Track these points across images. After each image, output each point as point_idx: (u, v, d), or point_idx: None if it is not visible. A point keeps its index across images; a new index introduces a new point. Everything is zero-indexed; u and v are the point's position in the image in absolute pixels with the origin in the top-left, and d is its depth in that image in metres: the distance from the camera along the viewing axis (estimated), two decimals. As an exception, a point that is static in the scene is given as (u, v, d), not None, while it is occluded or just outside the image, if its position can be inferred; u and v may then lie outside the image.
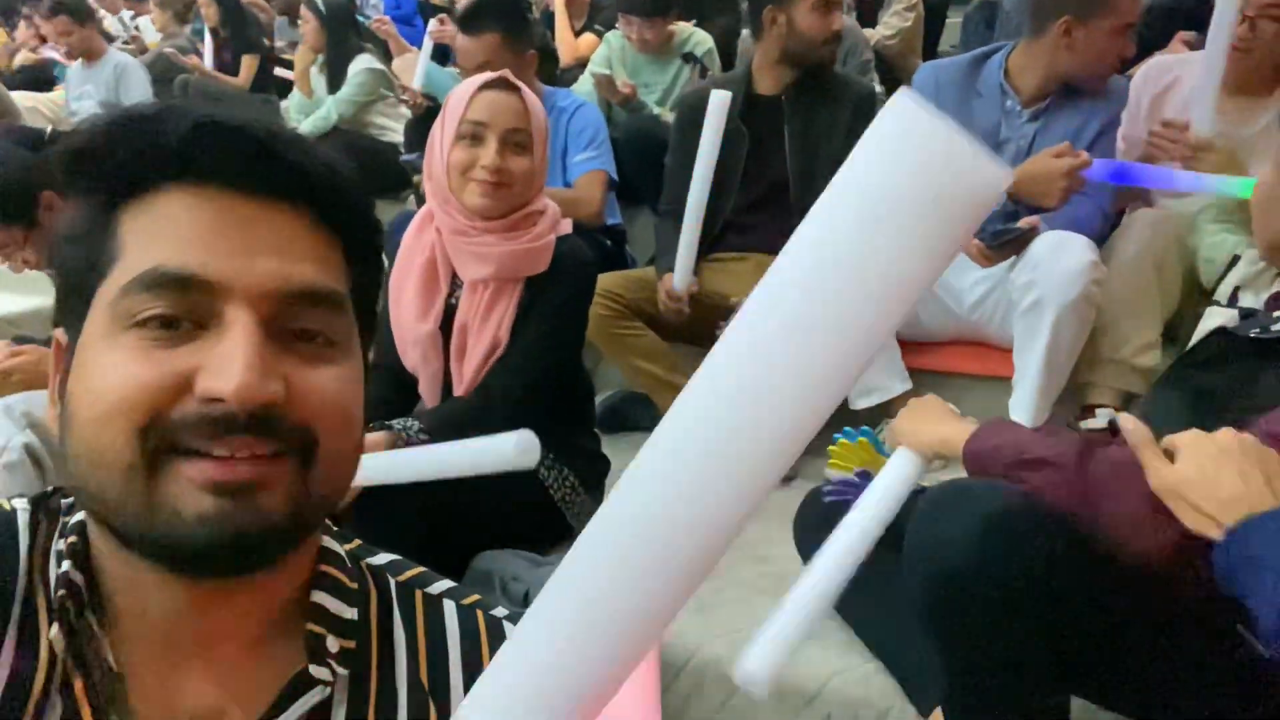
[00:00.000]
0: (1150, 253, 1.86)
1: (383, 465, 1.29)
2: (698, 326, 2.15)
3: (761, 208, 2.23)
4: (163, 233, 0.50)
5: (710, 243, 2.30)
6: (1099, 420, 1.91)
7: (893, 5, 3.70)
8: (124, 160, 0.51)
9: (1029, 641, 0.95)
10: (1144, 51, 2.45)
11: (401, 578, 0.63)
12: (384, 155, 3.71)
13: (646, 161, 2.63)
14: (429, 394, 1.63)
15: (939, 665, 1.07)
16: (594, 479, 1.73)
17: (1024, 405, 1.82)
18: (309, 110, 3.81)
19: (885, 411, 1.96)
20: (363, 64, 3.65)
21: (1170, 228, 1.88)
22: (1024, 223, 1.87)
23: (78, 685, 0.51)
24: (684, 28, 3.22)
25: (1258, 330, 1.03)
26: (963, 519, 0.97)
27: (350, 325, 0.55)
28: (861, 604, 1.34)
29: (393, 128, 3.75)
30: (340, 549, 0.61)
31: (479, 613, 0.63)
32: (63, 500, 0.57)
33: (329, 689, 0.55)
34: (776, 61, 2.21)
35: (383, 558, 0.64)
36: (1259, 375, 1.01)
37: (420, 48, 4.32)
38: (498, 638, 0.62)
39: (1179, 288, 1.91)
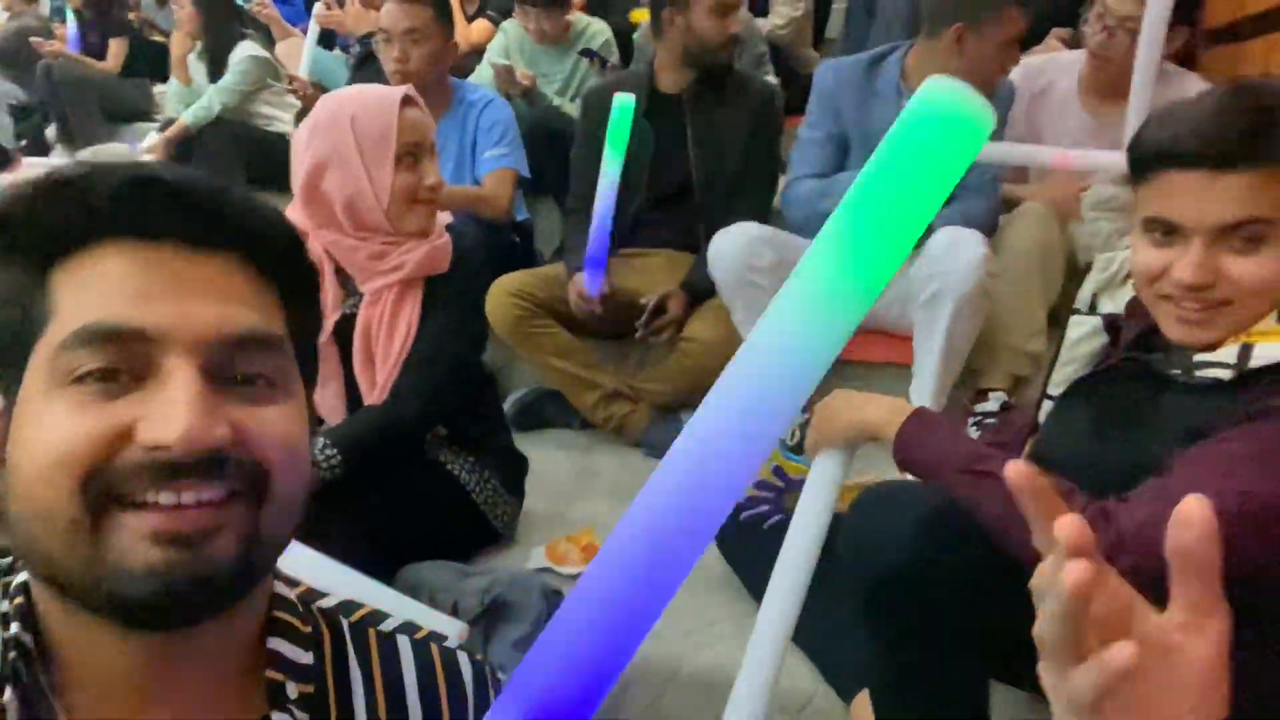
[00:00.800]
0: (1035, 244, 1.98)
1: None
2: (609, 322, 2.17)
3: (669, 204, 2.27)
4: (96, 288, 0.50)
5: (620, 239, 2.32)
6: (991, 404, 2.03)
7: (783, -7, 3.76)
8: (54, 223, 0.51)
9: (958, 633, 1.01)
10: (1023, 47, 2.58)
11: (353, 618, 0.64)
12: (273, 146, 3.56)
13: (549, 154, 2.62)
14: (332, 411, 1.58)
15: (871, 655, 1.13)
16: (514, 479, 1.73)
17: (923, 391, 1.91)
18: (189, 99, 3.63)
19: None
20: (246, 51, 3.49)
21: (1051, 220, 2.00)
22: None
23: None
24: (581, 18, 3.21)
25: (1179, 373, 1.00)
26: (898, 521, 1.02)
27: (290, 366, 0.56)
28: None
29: (280, 117, 3.61)
30: (291, 594, 0.61)
31: (433, 646, 0.64)
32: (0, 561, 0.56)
33: None
34: (676, 61, 2.23)
35: (332, 599, 0.65)
36: (1161, 400, 1.02)
37: (302, 29, 4.19)
38: (453, 670, 0.64)
39: (1061, 275, 2.05)
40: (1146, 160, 1.00)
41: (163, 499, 0.48)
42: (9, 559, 0.56)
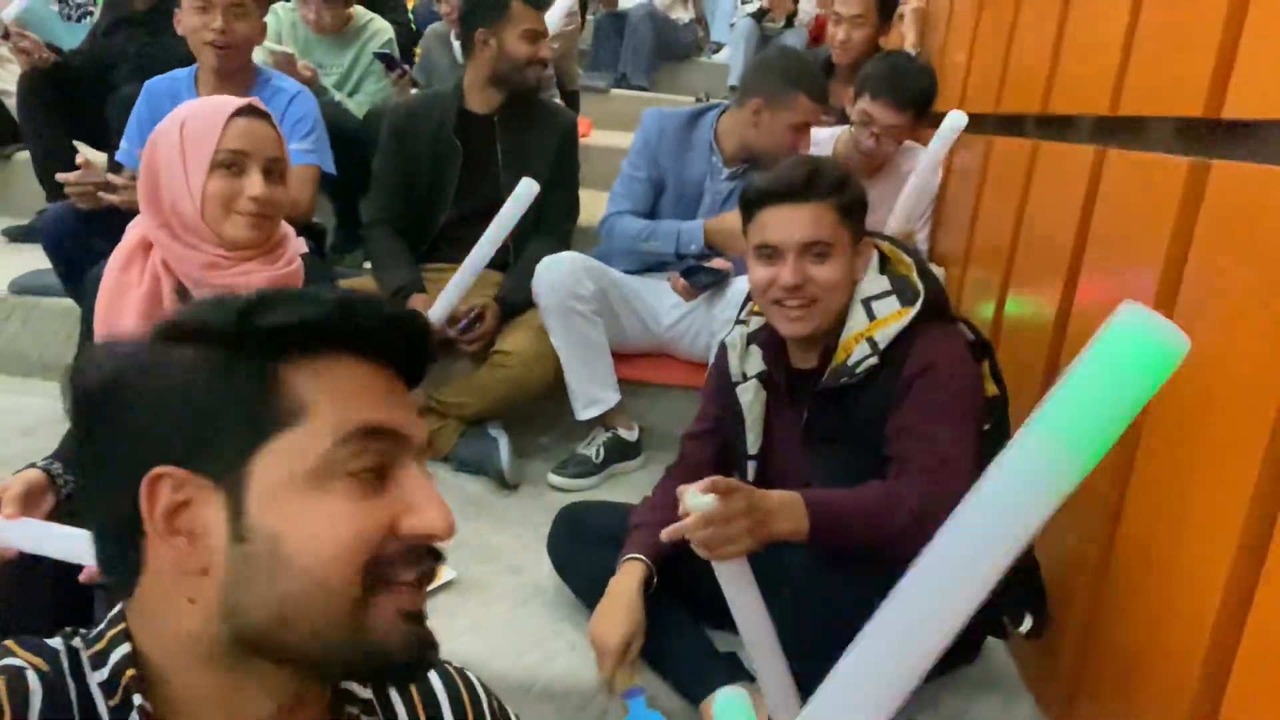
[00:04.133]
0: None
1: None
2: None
3: (474, 222, 2.28)
4: (351, 393, 0.58)
5: (424, 254, 2.35)
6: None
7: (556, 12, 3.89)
8: (290, 327, 0.57)
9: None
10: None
11: None
12: (-22, 104, 3.12)
13: (336, 152, 2.56)
14: None
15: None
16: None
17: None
18: None
19: (601, 420, 2.19)
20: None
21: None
22: (716, 263, 2.21)
23: None
24: (362, 13, 3.13)
25: (847, 379, 1.41)
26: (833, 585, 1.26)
27: None
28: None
29: (-11, 72, 3.15)
30: None
31: (457, 676, 0.76)
32: (75, 639, 0.60)
33: None
34: (486, 82, 2.29)
35: None
36: (850, 406, 1.42)
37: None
38: (473, 690, 0.76)
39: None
40: (753, 202, 1.45)
41: (411, 577, 0.58)
42: (95, 631, 0.60)
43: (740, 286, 2.11)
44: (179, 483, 0.56)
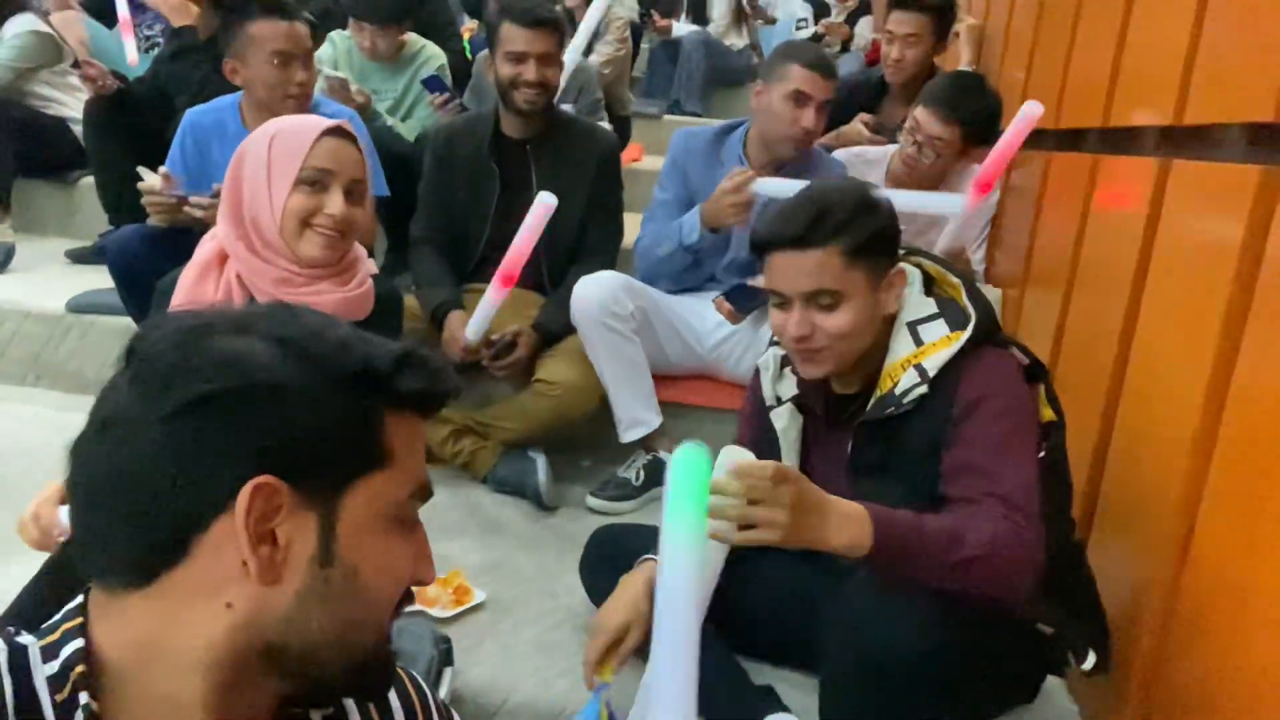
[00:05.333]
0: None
1: None
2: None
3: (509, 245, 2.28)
4: (416, 449, 0.65)
5: (467, 274, 2.34)
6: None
7: (606, 34, 3.92)
8: (421, 385, 0.64)
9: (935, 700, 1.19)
10: (833, 124, 2.88)
11: None
12: (49, 131, 3.25)
13: (387, 175, 2.58)
14: None
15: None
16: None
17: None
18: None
19: (643, 443, 2.14)
20: (24, 25, 3.14)
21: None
22: (755, 282, 2.16)
23: None
24: (415, 39, 3.17)
25: (893, 409, 1.31)
26: (898, 629, 1.16)
27: None
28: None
29: (61, 100, 3.28)
30: None
31: (404, 675, 0.78)
32: (22, 635, 0.60)
33: None
34: (510, 110, 2.26)
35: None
36: (901, 435, 1.32)
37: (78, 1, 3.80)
38: (419, 687, 0.79)
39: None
40: (759, 246, 1.36)
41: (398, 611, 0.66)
42: (49, 624, 0.60)
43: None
44: (275, 492, 0.58)
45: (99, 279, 2.63)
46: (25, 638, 0.60)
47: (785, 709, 1.39)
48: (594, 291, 2.06)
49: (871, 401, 1.35)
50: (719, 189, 2.06)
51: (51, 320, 2.49)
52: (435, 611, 1.61)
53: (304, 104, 2.26)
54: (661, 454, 2.14)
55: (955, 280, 1.40)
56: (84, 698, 0.56)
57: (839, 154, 2.55)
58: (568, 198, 2.23)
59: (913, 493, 1.27)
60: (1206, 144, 1.47)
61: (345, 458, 0.60)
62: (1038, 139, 2.32)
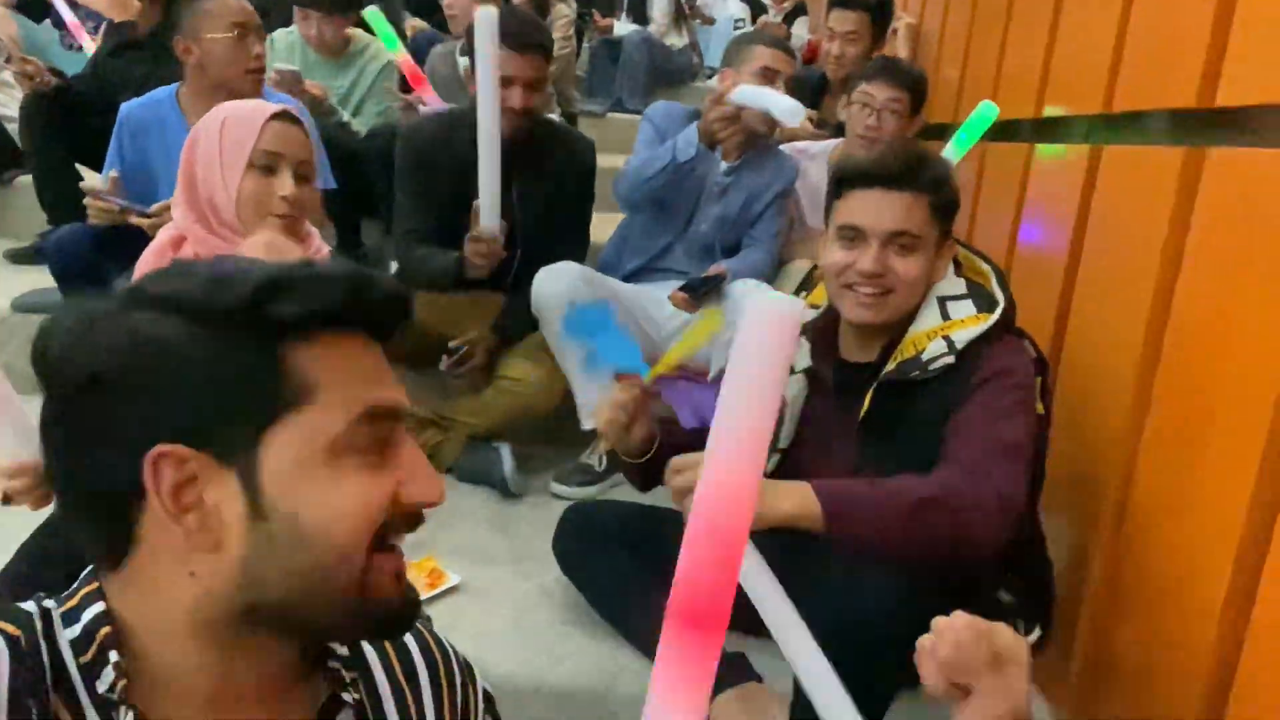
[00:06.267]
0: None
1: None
2: (418, 355, 2.21)
3: None
4: (354, 372, 0.60)
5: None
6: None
7: (551, 32, 3.94)
8: (294, 309, 0.57)
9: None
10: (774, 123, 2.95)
11: None
12: (-20, 129, 3.15)
13: (338, 172, 2.58)
14: None
15: None
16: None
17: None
18: None
19: (603, 430, 2.19)
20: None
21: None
22: (712, 270, 2.22)
23: None
24: (361, 36, 3.16)
25: (918, 374, 1.36)
26: (865, 596, 1.19)
27: None
28: (634, 619, 1.55)
29: (-8, 98, 3.18)
30: None
31: (421, 628, 0.77)
32: (48, 601, 0.61)
33: (351, 710, 0.67)
34: None
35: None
36: (916, 399, 1.36)
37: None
38: (442, 646, 0.78)
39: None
40: (846, 180, 1.41)
41: (400, 541, 0.61)
42: (68, 590, 0.61)
43: (739, 291, 2.13)
44: (182, 460, 0.55)
45: (41, 278, 2.57)
46: (48, 602, 0.60)
47: (757, 676, 1.44)
48: (554, 283, 2.09)
49: (895, 363, 1.39)
50: (707, 104, 2.15)
51: (-6, 321, 2.43)
52: (410, 595, 1.63)
53: (259, 82, 2.24)
54: (623, 440, 2.19)
55: (985, 268, 1.47)
56: (114, 655, 0.57)
57: (784, 148, 2.63)
58: (543, 205, 2.24)
59: (918, 458, 1.31)
60: (1135, 130, 1.58)
61: (247, 407, 0.56)
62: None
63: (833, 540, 1.24)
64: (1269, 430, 1.08)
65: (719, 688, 1.40)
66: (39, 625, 0.58)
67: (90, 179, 2.13)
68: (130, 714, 0.56)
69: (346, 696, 0.66)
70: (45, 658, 0.56)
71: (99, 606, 0.58)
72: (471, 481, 2.13)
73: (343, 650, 0.69)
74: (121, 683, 0.56)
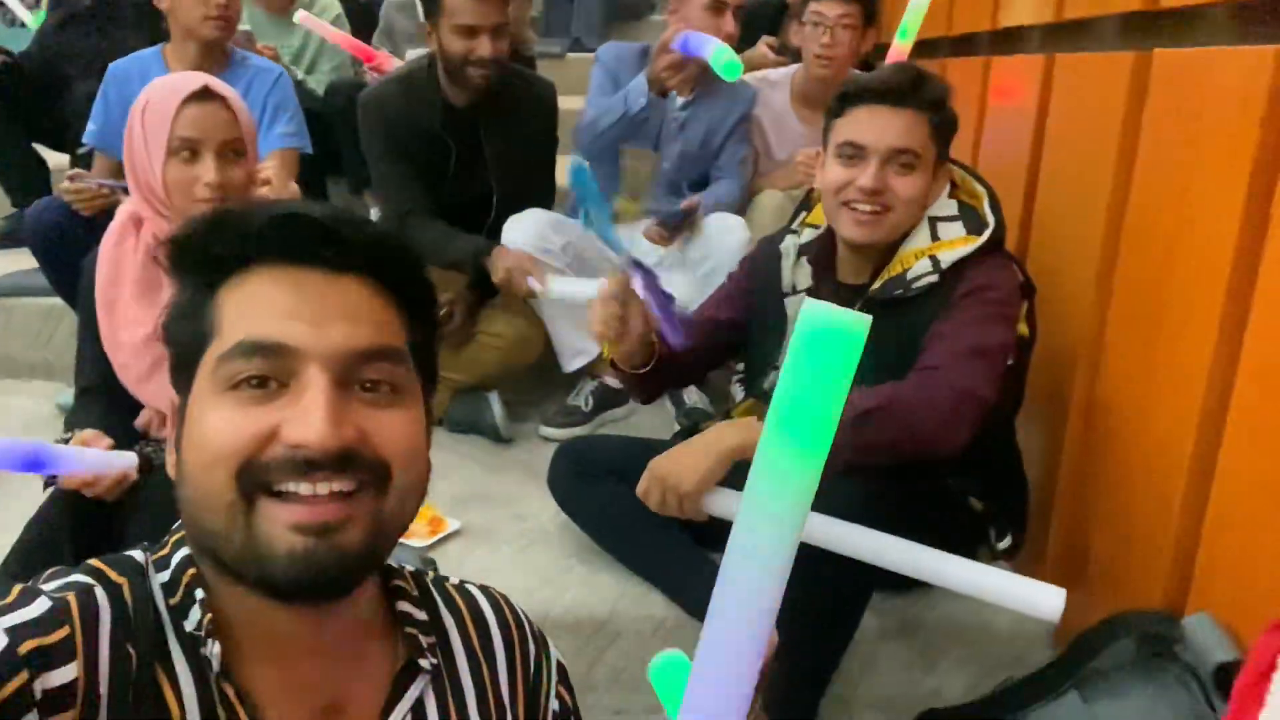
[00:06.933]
0: (773, 224, 2.34)
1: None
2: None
3: (465, 212, 2.24)
4: (251, 308, 0.59)
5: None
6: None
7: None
8: (217, 249, 0.60)
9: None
10: (737, 49, 2.95)
11: (430, 578, 0.76)
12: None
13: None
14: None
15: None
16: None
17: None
18: None
19: (588, 371, 2.23)
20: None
21: (786, 209, 2.37)
22: (685, 204, 2.24)
23: (230, 692, 0.59)
24: (307, -11, 3.11)
25: (901, 292, 1.39)
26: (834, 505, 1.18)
27: (411, 374, 0.64)
28: (632, 546, 1.61)
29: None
30: (393, 563, 0.71)
31: (498, 596, 0.78)
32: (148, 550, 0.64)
33: (428, 676, 0.67)
34: (447, 77, 2.16)
35: (410, 567, 0.76)
36: (900, 318, 1.39)
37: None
38: (517, 615, 0.77)
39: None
40: (849, 97, 1.41)
41: (301, 490, 0.56)
42: (164, 540, 0.64)
43: (715, 225, 2.15)
44: (175, 408, 0.62)
45: (12, 261, 2.57)
46: (139, 552, 0.63)
47: None
48: (522, 233, 2.11)
49: (881, 281, 1.42)
50: (654, 52, 2.15)
51: (-29, 307, 2.43)
52: (413, 543, 1.68)
53: (228, 28, 2.19)
54: (606, 379, 2.23)
55: (979, 190, 1.49)
56: (199, 593, 0.60)
57: (745, 77, 2.63)
58: (514, 158, 2.22)
59: (901, 371, 1.34)
60: (1086, 37, 1.61)
61: (189, 345, 0.61)
62: (933, 48, 2.44)
63: None
64: (1220, 314, 1.14)
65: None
66: (145, 572, 0.61)
67: (55, 162, 2.09)
68: (217, 646, 0.58)
69: (424, 662, 0.67)
70: (143, 603, 0.59)
71: (184, 551, 0.62)
72: (462, 431, 2.18)
73: (420, 615, 0.69)
74: (208, 616, 0.59)
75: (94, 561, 0.62)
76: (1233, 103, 1.14)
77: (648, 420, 2.22)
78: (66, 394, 2.05)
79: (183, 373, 0.61)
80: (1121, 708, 1.05)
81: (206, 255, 0.61)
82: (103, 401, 1.55)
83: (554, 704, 0.77)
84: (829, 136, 1.45)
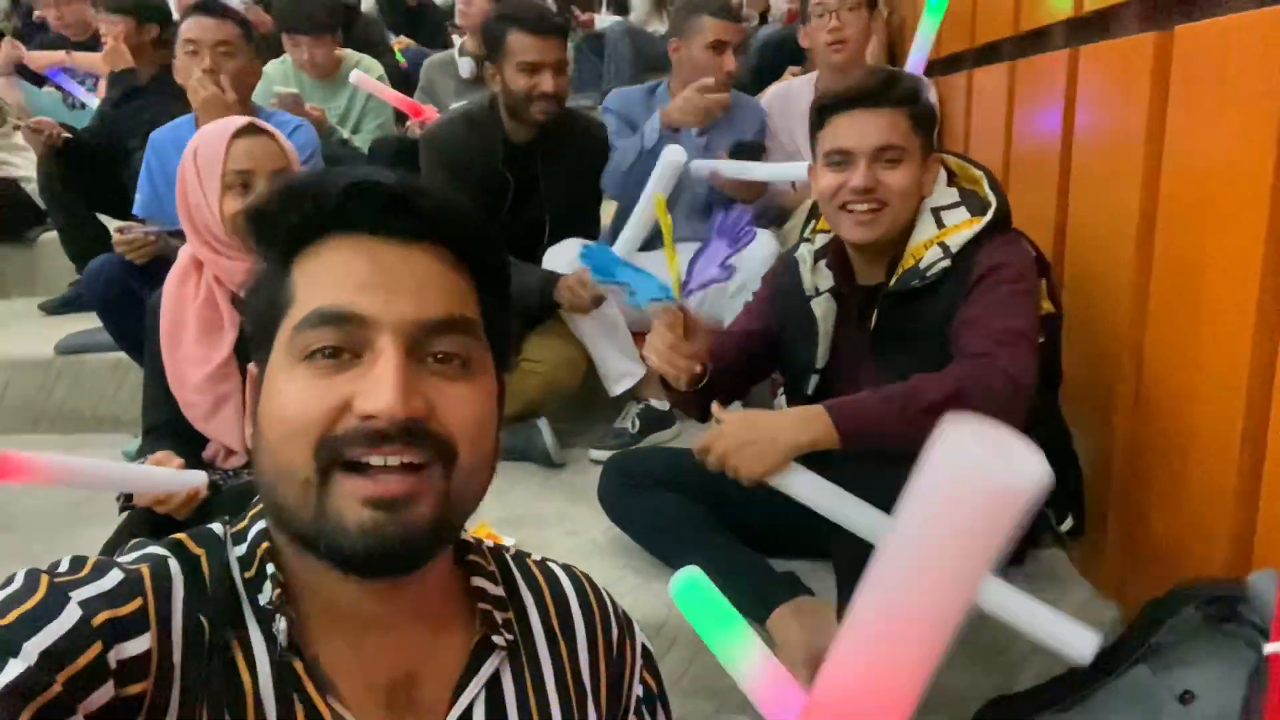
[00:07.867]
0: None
1: None
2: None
3: (524, 240, 2.31)
4: (325, 278, 0.60)
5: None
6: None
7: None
8: (292, 221, 0.61)
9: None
10: (764, 83, 3.02)
11: (510, 553, 0.75)
12: (1, 193, 3.26)
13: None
14: (231, 430, 1.60)
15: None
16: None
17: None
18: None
19: (633, 394, 2.26)
20: (-37, 90, 3.16)
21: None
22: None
23: (298, 666, 0.59)
24: (350, 54, 3.26)
25: (918, 282, 1.42)
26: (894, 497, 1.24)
27: (483, 348, 0.63)
28: (683, 548, 1.61)
29: (9, 161, 3.31)
30: (469, 537, 0.70)
31: (580, 576, 0.76)
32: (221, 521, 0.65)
33: (504, 653, 0.66)
34: (509, 115, 2.25)
35: (488, 542, 0.75)
36: (919, 308, 1.43)
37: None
38: (601, 596, 0.75)
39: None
40: (827, 108, 1.47)
41: (373, 460, 0.56)
42: (243, 514, 0.65)
43: (753, 246, 2.18)
44: (254, 379, 0.63)
45: (79, 323, 2.68)
46: (218, 525, 0.65)
47: (809, 590, 1.50)
48: (562, 261, 2.17)
49: (896, 276, 1.46)
50: (685, 94, 2.23)
51: (42, 366, 2.53)
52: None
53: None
54: (652, 402, 2.25)
55: (976, 173, 1.53)
56: (270, 568, 0.60)
57: (767, 93, 2.69)
58: (567, 189, 2.31)
59: (930, 362, 1.36)
60: (1108, 26, 1.62)
61: (266, 317, 0.61)
62: (957, 62, 2.47)
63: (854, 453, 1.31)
64: (1260, 275, 1.13)
65: (774, 603, 1.46)
66: (218, 544, 0.62)
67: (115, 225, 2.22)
68: (283, 622, 0.58)
69: (498, 639, 0.66)
70: (217, 575, 0.60)
71: (260, 525, 0.62)
72: (514, 459, 2.20)
73: (496, 590, 0.68)
74: (277, 592, 0.59)
75: (176, 535, 0.63)
76: (1257, 68, 1.15)
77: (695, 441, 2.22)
78: (132, 445, 2.12)
79: (261, 344, 0.61)
80: (1191, 674, 1.03)
81: (282, 225, 0.61)
82: (169, 439, 1.59)
83: (638, 689, 0.75)
84: (815, 149, 1.51)
